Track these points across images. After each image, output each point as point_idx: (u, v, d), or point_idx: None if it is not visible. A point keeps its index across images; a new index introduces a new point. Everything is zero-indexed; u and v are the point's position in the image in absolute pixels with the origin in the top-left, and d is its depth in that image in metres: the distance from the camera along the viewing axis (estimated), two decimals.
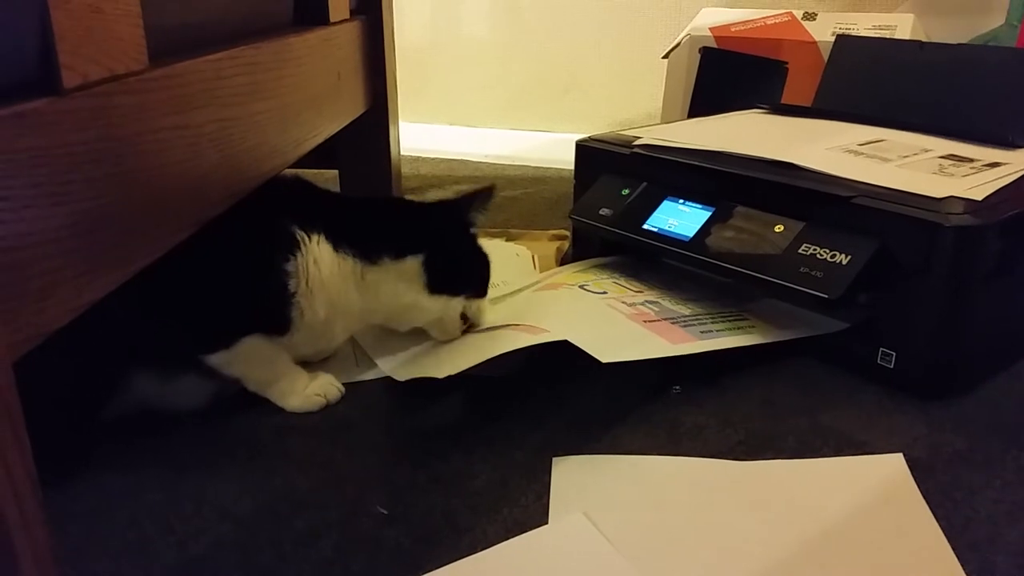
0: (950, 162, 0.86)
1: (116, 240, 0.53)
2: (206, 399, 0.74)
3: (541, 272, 1.03)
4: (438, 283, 0.78)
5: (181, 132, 0.61)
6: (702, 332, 0.80)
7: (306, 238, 0.73)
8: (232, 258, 0.70)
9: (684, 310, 0.85)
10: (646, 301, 0.86)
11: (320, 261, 0.73)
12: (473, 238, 0.83)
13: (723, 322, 0.83)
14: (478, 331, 0.82)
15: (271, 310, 0.72)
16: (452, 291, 0.79)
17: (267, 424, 0.73)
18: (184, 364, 0.72)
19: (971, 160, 0.87)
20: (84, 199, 0.49)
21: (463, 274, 0.81)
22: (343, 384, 0.78)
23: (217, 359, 0.71)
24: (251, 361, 0.73)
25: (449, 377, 0.71)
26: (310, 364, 0.80)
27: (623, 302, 0.84)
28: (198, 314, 0.70)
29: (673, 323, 0.81)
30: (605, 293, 0.87)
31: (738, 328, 0.82)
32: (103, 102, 0.51)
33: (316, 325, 0.74)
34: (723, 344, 0.78)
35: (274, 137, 0.80)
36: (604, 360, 0.69)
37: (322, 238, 0.74)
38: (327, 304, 0.74)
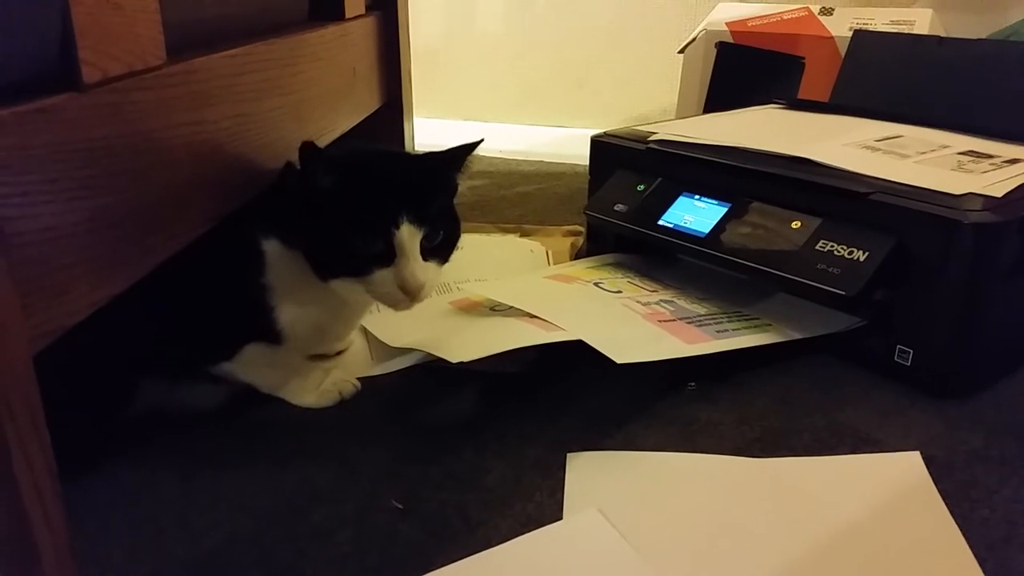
0: (969, 158, 0.85)
1: (134, 235, 0.53)
2: (219, 401, 0.74)
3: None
4: (319, 269, 0.67)
5: (198, 128, 0.61)
6: (718, 331, 0.79)
7: (270, 246, 0.69)
8: (214, 273, 0.68)
9: (699, 309, 0.84)
10: (661, 300, 0.85)
11: (289, 271, 0.68)
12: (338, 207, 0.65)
13: (739, 321, 0.82)
14: (495, 316, 0.80)
15: (260, 322, 0.70)
16: (332, 273, 0.67)
17: (283, 418, 0.74)
18: (194, 373, 0.72)
19: (990, 156, 0.86)
20: (102, 194, 0.49)
21: (333, 252, 0.66)
22: (358, 379, 0.78)
23: (223, 369, 0.71)
24: (257, 367, 0.73)
25: (462, 368, 0.70)
26: (326, 358, 0.80)
27: (638, 301, 0.84)
28: (195, 328, 0.69)
29: (688, 322, 0.80)
30: (620, 292, 0.87)
31: (754, 327, 0.81)
32: (122, 98, 0.51)
33: (309, 329, 0.72)
34: (739, 343, 0.78)
35: (290, 132, 0.80)
36: (619, 361, 0.69)
37: (280, 243, 0.69)
38: (313, 308, 0.70)
